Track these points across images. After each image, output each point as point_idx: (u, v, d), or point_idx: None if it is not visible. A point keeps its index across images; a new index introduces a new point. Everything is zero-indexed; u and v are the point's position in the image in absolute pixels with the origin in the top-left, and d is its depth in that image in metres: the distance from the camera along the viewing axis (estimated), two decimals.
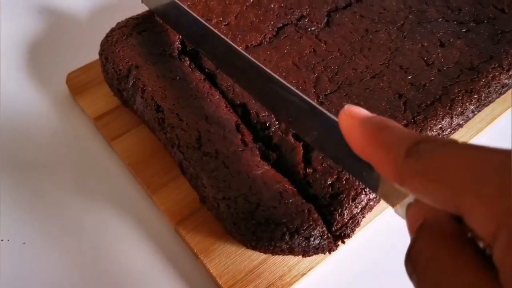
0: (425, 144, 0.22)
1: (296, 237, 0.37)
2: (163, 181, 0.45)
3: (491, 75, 0.47)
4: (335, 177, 0.40)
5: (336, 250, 0.40)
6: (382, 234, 0.45)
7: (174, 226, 0.43)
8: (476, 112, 0.47)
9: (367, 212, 0.41)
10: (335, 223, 0.39)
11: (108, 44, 0.47)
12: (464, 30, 0.52)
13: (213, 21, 0.50)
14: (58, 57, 0.57)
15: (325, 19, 0.53)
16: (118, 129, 0.48)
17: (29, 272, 0.42)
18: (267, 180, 0.39)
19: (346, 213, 0.39)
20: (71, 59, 0.55)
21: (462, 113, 0.45)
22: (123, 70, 0.46)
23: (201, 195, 0.41)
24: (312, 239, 0.38)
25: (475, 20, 0.53)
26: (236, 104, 0.45)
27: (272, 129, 0.43)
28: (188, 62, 0.47)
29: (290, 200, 0.38)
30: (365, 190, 0.40)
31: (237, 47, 0.42)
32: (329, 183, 0.40)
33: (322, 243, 0.39)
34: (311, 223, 0.37)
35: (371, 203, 0.41)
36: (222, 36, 0.43)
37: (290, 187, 0.40)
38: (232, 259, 0.41)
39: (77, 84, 0.51)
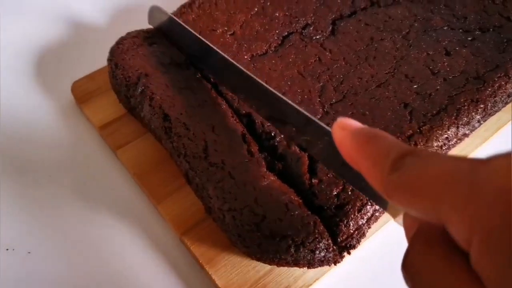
0: (409, 158, 0.23)
1: (301, 250, 0.37)
2: (168, 190, 0.45)
3: (497, 84, 0.47)
4: (340, 187, 0.40)
5: (341, 262, 0.40)
6: (388, 244, 0.44)
7: (180, 236, 0.43)
8: (482, 122, 0.47)
9: (373, 222, 0.41)
10: (340, 234, 0.39)
11: (119, 52, 0.47)
12: (469, 38, 0.52)
13: (218, 31, 0.50)
14: (63, 66, 0.57)
15: (330, 28, 0.53)
16: (123, 138, 0.48)
17: (33, 281, 0.42)
18: (273, 191, 0.39)
19: (351, 224, 0.39)
20: (76, 67, 0.55)
21: (468, 123, 0.45)
22: (132, 78, 0.46)
23: (207, 206, 0.41)
24: (317, 252, 0.38)
25: (480, 28, 0.53)
26: (241, 113, 0.45)
27: (277, 139, 0.43)
28: (196, 71, 0.47)
29: (296, 212, 0.38)
30: (371, 201, 0.40)
31: (236, 64, 0.43)
32: (335, 194, 0.40)
33: (328, 256, 0.38)
34: (316, 236, 0.37)
35: (377, 213, 0.41)
36: (222, 53, 0.44)
37: (295, 198, 0.40)
38: (238, 269, 0.41)
39: (82, 93, 0.52)
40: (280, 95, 0.40)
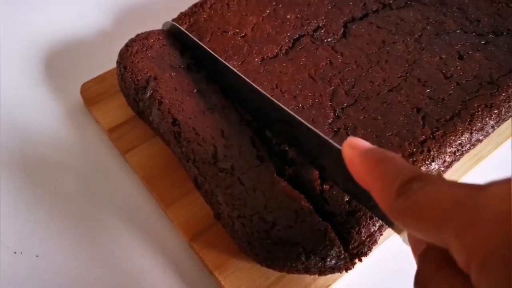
0: (416, 183, 0.24)
1: (312, 257, 0.36)
2: (177, 195, 0.44)
3: (511, 89, 0.46)
4: (352, 198, 0.40)
5: (353, 268, 0.39)
6: (399, 251, 0.44)
7: (188, 241, 0.42)
8: (495, 127, 0.47)
9: (385, 229, 0.40)
10: (352, 241, 0.39)
11: (128, 54, 0.47)
12: (483, 42, 0.51)
13: (229, 33, 0.49)
14: (72, 67, 0.56)
15: (342, 30, 0.52)
16: (132, 141, 0.48)
17: (41, 285, 0.42)
18: (283, 197, 0.39)
19: (363, 231, 0.39)
20: (85, 69, 0.55)
21: (481, 129, 0.44)
22: (141, 81, 0.45)
23: (216, 212, 0.41)
24: (328, 259, 0.37)
25: (494, 32, 0.52)
26: (251, 118, 0.45)
27: None
28: (205, 75, 0.47)
29: (306, 219, 0.38)
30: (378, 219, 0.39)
31: (246, 79, 0.43)
32: (346, 200, 0.40)
33: (339, 263, 0.38)
34: (327, 243, 0.37)
35: None
36: (231, 67, 0.44)
37: (306, 205, 0.39)
38: (247, 276, 0.40)
39: (91, 95, 0.51)
40: (297, 116, 0.40)
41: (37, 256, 0.43)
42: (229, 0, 0.52)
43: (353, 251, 0.39)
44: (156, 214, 0.45)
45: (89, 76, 0.53)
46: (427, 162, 0.42)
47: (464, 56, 0.49)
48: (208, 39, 0.49)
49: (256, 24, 0.51)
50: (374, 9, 0.54)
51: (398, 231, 0.31)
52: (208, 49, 0.46)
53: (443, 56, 0.49)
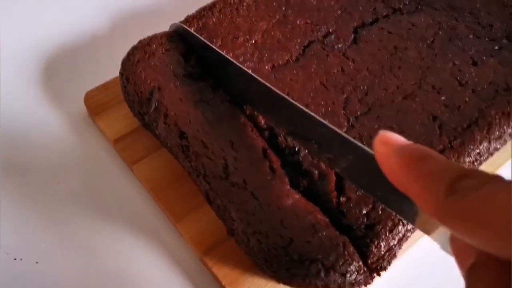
0: (468, 181, 0.21)
1: (331, 273, 0.35)
2: (187, 208, 0.43)
3: None
4: (370, 206, 0.38)
5: (372, 283, 0.38)
6: (419, 264, 0.43)
7: (200, 256, 0.41)
8: None
9: (404, 243, 0.39)
10: (371, 256, 0.37)
11: (130, 64, 0.45)
12: (496, 47, 0.50)
13: (240, 39, 0.48)
14: (75, 75, 0.55)
15: (352, 36, 0.51)
16: (139, 152, 0.46)
17: None
18: (299, 211, 0.37)
19: (383, 245, 0.37)
20: (89, 77, 0.53)
21: (499, 137, 0.43)
22: (144, 93, 0.44)
23: (229, 228, 0.39)
24: (348, 275, 0.36)
25: (507, 37, 0.51)
26: (262, 127, 0.43)
27: (302, 154, 0.41)
28: (211, 83, 0.45)
29: (324, 233, 0.36)
30: (403, 220, 0.38)
31: (257, 77, 0.41)
32: (364, 213, 0.38)
33: (359, 278, 0.37)
34: (347, 258, 0.36)
35: (409, 234, 0.39)
36: (241, 66, 0.43)
37: (322, 217, 0.38)
38: None
39: (95, 104, 0.50)
40: (302, 107, 0.38)
41: (37, 262, 0.42)
42: (238, 4, 0.51)
43: (372, 265, 0.38)
44: (165, 228, 0.44)
45: (93, 84, 0.51)
46: None
47: (478, 62, 0.48)
48: (218, 44, 0.47)
49: (266, 30, 0.49)
50: (384, 14, 0.53)
51: (431, 233, 0.28)
52: (220, 51, 0.44)
53: (457, 62, 0.48)
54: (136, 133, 0.48)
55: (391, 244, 0.38)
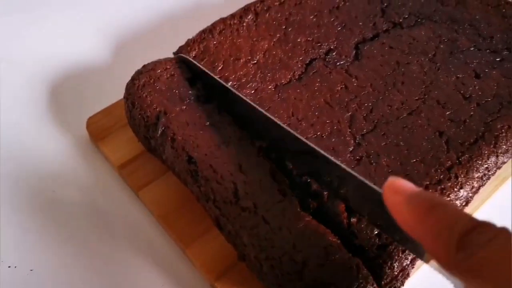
0: (477, 235, 0.22)
1: None
2: (196, 233, 0.42)
3: None
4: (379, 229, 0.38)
5: None
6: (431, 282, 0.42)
7: (212, 283, 0.40)
8: None
9: (417, 261, 0.39)
10: (384, 277, 0.37)
11: (135, 88, 0.45)
12: (498, 59, 0.50)
13: (241, 60, 0.48)
14: (77, 100, 0.54)
15: (354, 52, 0.51)
16: (144, 177, 0.46)
17: None
18: (310, 234, 0.37)
19: (396, 266, 0.37)
20: (90, 102, 0.53)
21: (507, 151, 0.43)
22: (150, 117, 0.43)
23: (241, 253, 0.39)
24: None
25: (508, 48, 0.51)
26: (269, 148, 0.43)
27: None
28: (216, 106, 0.45)
29: (337, 256, 0.36)
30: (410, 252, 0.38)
31: (261, 110, 0.41)
32: (376, 234, 0.38)
33: None
34: (361, 280, 0.35)
35: None
36: (244, 98, 0.43)
37: (334, 239, 0.37)
38: None
39: (98, 129, 0.49)
40: (317, 148, 0.38)
41: (31, 270, 0.42)
42: (238, 25, 0.50)
43: (385, 286, 0.37)
44: (173, 253, 0.43)
45: (95, 109, 0.51)
46: (455, 189, 0.40)
47: (481, 75, 0.48)
48: (220, 67, 0.47)
49: (268, 50, 0.49)
50: (384, 29, 0.53)
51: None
52: (220, 80, 0.44)
53: (460, 76, 0.48)
54: (140, 158, 0.47)
55: (404, 264, 0.38)
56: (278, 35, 0.51)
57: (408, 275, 0.38)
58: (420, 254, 0.31)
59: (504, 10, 0.55)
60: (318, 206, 0.40)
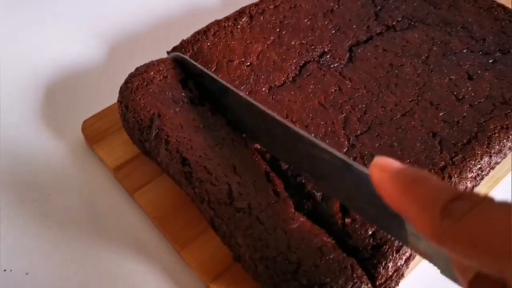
0: (460, 202, 0.22)
1: None
2: (191, 235, 0.42)
3: None
4: (375, 227, 0.38)
5: None
6: (426, 282, 0.42)
7: (207, 284, 0.40)
8: None
9: (411, 261, 0.39)
10: (379, 277, 0.37)
11: (128, 92, 0.45)
12: (491, 61, 0.50)
13: (235, 62, 0.48)
14: (72, 103, 0.54)
15: (347, 54, 0.51)
16: (139, 180, 0.46)
17: None
18: (305, 234, 0.37)
19: (390, 266, 0.37)
20: (85, 105, 0.53)
21: (500, 151, 0.44)
22: (144, 120, 0.43)
23: (236, 254, 0.39)
24: None
25: (500, 50, 0.52)
26: (263, 149, 0.43)
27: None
28: (210, 107, 0.45)
29: (331, 256, 0.36)
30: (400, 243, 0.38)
31: (258, 104, 0.41)
32: (370, 234, 0.38)
33: None
34: (355, 280, 0.35)
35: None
36: (242, 94, 0.42)
37: (328, 240, 0.38)
38: None
39: (93, 132, 0.49)
40: (313, 138, 0.37)
41: (27, 273, 0.42)
42: (232, 27, 0.51)
43: (380, 287, 0.37)
44: (169, 255, 0.43)
45: (90, 112, 0.51)
46: None
47: (474, 76, 0.49)
48: (213, 69, 0.47)
49: (261, 52, 0.49)
50: (378, 32, 0.54)
51: (426, 257, 0.29)
52: (218, 78, 0.44)
53: (453, 77, 0.49)
54: (135, 160, 0.47)
55: (399, 264, 0.38)
56: (272, 38, 0.51)
57: (402, 275, 0.38)
58: (404, 238, 0.31)
59: (496, 13, 0.55)
60: (312, 207, 0.40)
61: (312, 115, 0.45)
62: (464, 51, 0.52)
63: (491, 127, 0.44)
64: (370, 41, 0.53)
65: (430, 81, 0.48)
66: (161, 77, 0.47)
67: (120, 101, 0.45)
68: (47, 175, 0.48)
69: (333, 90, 0.48)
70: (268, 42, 0.50)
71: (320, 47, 0.51)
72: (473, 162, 0.42)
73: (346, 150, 0.43)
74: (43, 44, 0.61)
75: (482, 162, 0.42)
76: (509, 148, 0.45)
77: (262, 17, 0.53)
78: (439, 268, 0.28)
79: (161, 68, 0.47)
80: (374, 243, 0.38)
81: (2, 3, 0.65)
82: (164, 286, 0.42)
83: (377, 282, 0.37)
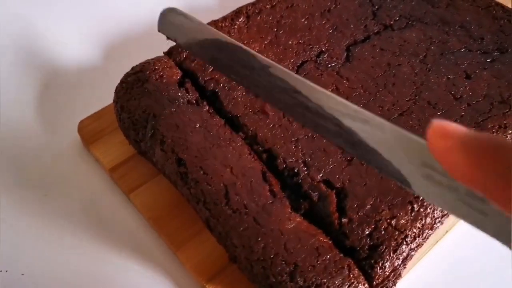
0: None
1: None
2: (187, 235, 0.42)
3: None
4: (372, 226, 0.38)
5: None
6: (422, 282, 0.42)
7: (203, 285, 0.40)
8: None
9: (408, 262, 0.39)
10: (376, 277, 0.37)
11: (123, 92, 0.45)
12: (489, 60, 0.50)
13: None
14: (68, 104, 0.54)
15: (345, 54, 0.51)
16: (135, 180, 0.46)
17: None
18: (301, 234, 0.37)
19: (387, 266, 0.37)
20: (81, 105, 0.52)
21: None
22: (140, 120, 0.43)
23: (232, 255, 0.39)
24: None
25: (499, 49, 0.51)
26: (260, 150, 0.43)
27: (301, 175, 0.41)
28: (207, 107, 0.45)
29: (328, 256, 0.36)
30: (406, 239, 0.38)
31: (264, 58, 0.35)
32: (367, 234, 0.38)
33: None
34: (352, 281, 0.35)
35: (413, 253, 0.38)
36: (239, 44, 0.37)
37: (325, 240, 0.37)
38: None
39: (89, 133, 0.49)
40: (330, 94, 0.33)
41: (22, 274, 0.42)
42: (229, 27, 0.50)
43: (377, 287, 0.37)
44: (165, 256, 0.43)
45: (87, 113, 0.50)
46: None
47: (472, 76, 0.49)
48: (211, 69, 0.47)
49: (259, 52, 0.49)
50: (375, 31, 0.53)
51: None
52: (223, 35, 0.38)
53: (450, 77, 0.48)
54: (132, 160, 0.47)
55: (396, 264, 0.37)
56: (269, 38, 0.51)
57: (400, 275, 0.38)
58: (407, 183, 0.27)
59: (494, 12, 0.55)
60: (309, 207, 0.40)
61: None
62: (462, 50, 0.51)
63: (489, 126, 0.44)
64: (368, 40, 0.52)
65: (427, 81, 0.48)
66: (157, 77, 0.46)
67: (116, 101, 0.45)
68: (43, 175, 0.48)
69: (330, 90, 0.47)
70: (265, 42, 0.50)
71: (317, 46, 0.51)
72: None
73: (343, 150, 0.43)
74: (40, 45, 0.61)
75: None
76: None
77: (259, 17, 0.52)
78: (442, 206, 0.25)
79: (157, 68, 0.47)
80: (371, 243, 0.37)
81: (1, 3, 0.65)
82: (159, 286, 0.41)
83: (374, 282, 0.37)
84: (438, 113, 0.45)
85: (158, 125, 0.42)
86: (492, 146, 0.21)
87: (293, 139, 0.43)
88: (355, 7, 0.55)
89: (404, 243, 0.38)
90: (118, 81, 0.47)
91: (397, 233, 0.38)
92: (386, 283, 0.38)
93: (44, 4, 0.65)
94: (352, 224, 0.38)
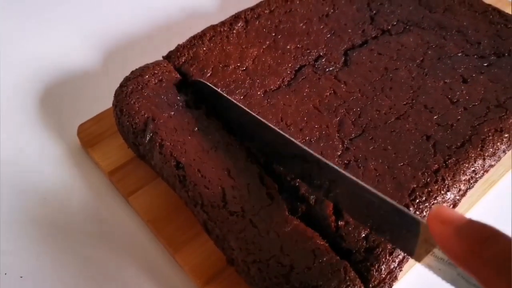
0: None
1: None
2: (185, 238, 0.43)
3: None
4: (369, 229, 0.38)
5: None
6: (418, 285, 0.42)
7: (200, 287, 0.40)
8: (507, 151, 0.46)
9: (404, 264, 0.39)
10: (372, 280, 0.37)
11: (123, 95, 0.45)
12: (485, 64, 0.50)
13: (230, 67, 0.48)
14: (67, 108, 0.55)
15: (343, 58, 0.51)
16: (134, 183, 0.46)
17: None
18: (298, 237, 0.37)
19: (383, 269, 0.37)
20: (81, 109, 0.53)
21: (494, 154, 0.44)
22: (139, 124, 0.44)
23: (229, 257, 0.39)
24: None
25: (495, 53, 0.52)
26: (258, 153, 0.43)
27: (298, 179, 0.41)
28: (205, 110, 0.45)
29: (324, 259, 0.36)
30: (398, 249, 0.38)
31: (254, 114, 0.42)
32: (363, 236, 0.38)
33: None
34: (348, 283, 0.35)
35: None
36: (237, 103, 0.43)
37: (322, 242, 0.38)
38: None
39: (89, 136, 0.49)
40: (312, 151, 0.38)
41: (21, 277, 0.42)
42: (228, 32, 0.51)
43: None
44: (163, 258, 0.43)
45: (86, 116, 0.51)
46: (442, 192, 0.41)
47: (468, 80, 0.49)
48: (209, 74, 0.47)
49: (257, 56, 0.50)
50: (373, 36, 0.54)
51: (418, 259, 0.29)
52: (228, 96, 0.44)
53: (447, 81, 0.49)
54: (131, 164, 0.47)
55: (392, 267, 0.38)
56: (267, 42, 0.51)
57: (396, 278, 0.38)
58: (411, 251, 0.31)
59: (491, 17, 0.55)
60: (306, 210, 0.40)
61: (307, 118, 0.45)
62: (459, 54, 0.52)
63: (485, 130, 0.44)
64: (365, 45, 0.53)
65: (424, 85, 0.48)
66: (156, 81, 0.47)
67: (115, 104, 0.45)
68: (43, 178, 0.49)
69: (328, 93, 0.48)
70: (264, 47, 0.51)
71: (315, 51, 0.51)
72: (467, 165, 0.42)
73: (340, 154, 0.43)
74: (39, 48, 0.61)
75: (476, 164, 0.42)
76: (503, 151, 0.45)
77: (257, 22, 0.53)
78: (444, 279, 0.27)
79: (156, 72, 0.47)
80: (367, 246, 0.38)
81: (0, 7, 0.66)
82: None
83: (370, 285, 0.37)
84: (435, 117, 0.45)
85: (157, 128, 0.43)
86: (485, 235, 0.22)
87: None
88: (353, 12, 0.56)
89: None
90: (118, 85, 0.47)
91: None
92: (382, 286, 0.38)
93: (44, 8, 0.66)
94: (348, 227, 0.38)
